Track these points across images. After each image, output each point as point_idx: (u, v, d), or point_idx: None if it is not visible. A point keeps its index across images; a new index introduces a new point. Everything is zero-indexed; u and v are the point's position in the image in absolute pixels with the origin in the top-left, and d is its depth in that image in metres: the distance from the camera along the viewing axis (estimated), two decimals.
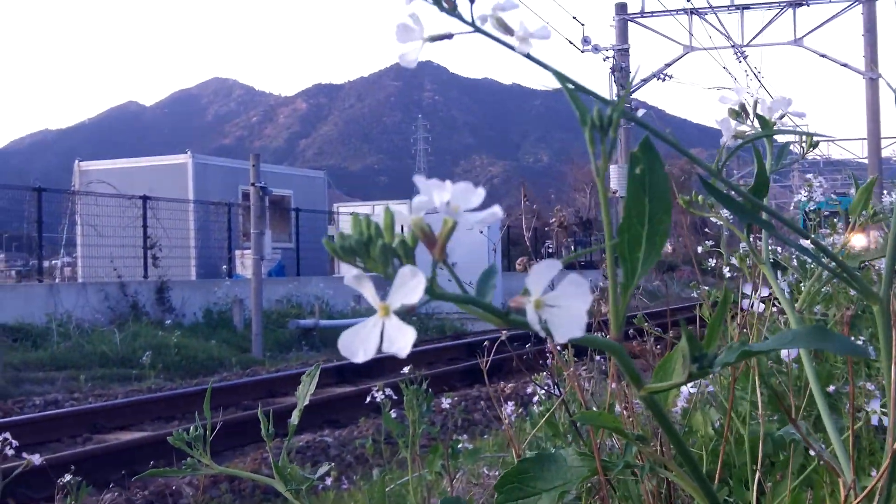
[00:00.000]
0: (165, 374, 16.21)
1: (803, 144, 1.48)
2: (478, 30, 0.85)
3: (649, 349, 2.82)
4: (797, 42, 33.31)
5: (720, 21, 33.95)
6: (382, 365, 15.22)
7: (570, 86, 0.85)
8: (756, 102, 1.31)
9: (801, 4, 33.44)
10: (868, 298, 1.30)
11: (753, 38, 34.32)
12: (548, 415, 3.06)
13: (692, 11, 33.70)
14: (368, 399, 4.43)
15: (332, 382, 14.54)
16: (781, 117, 1.34)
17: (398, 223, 0.76)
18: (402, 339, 0.71)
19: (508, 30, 0.85)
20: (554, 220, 2.65)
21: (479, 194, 0.77)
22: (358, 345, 0.72)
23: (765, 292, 2.30)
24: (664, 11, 34.44)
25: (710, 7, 33.54)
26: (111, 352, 17.09)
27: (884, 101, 33.45)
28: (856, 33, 33.61)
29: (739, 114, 1.32)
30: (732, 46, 34.50)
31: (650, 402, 0.92)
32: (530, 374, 3.51)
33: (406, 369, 4.12)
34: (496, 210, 0.76)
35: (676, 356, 0.94)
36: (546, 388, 3.26)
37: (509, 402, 3.39)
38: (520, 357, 3.35)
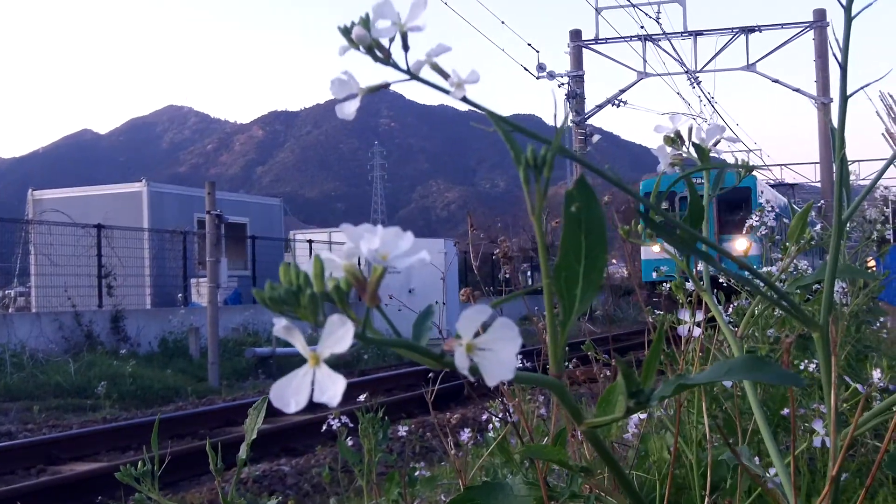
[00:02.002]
0: (121, 403, 16.07)
1: (741, 171, 1.50)
2: (413, 77, 0.87)
3: (598, 375, 2.84)
4: (750, 67, 33.67)
5: (673, 47, 34.29)
6: None
7: (506, 127, 0.86)
8: (691, 129, 1.33)
9: (753, 30, 33.83)
10: (808, 326, 1.32)
11: (706, 63, 34.69)
12: (496, 442, 3.07)
13: (646, 38, 34.01)
14: (325, 427, 4.41)
15: None
16: (716, 144, 1.36)
17: (329, 270, 0.77)
18: (332, 388, 0.72)
19: (444, 73, 0.87)
20: (498, 251, 2.66)
21: (408, 239, 0.78)
22: (290, 396, 0.73)
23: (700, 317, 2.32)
24: (618, 38, 34.74)
25: (664, 34, 33.88)
26: (66, 382, 16.92)
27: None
28: (807, 59, 34.05)
29: (675, 141, 1.34)
30: (686, 72, 34.84)
31: (591, 436, 0.93)
32: (484, 400, 3.52)
33: (363, 397, 4.11)
34: (423, 255, 0.77)
35: (618, 388, 0.95)
36: (499, 415, 3.27)
37: (465, 430, 3.39)
38: (471, 384, 3.36)
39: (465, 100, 0.86)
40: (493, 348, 0.75)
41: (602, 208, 0.86)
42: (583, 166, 0.97)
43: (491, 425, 3.49)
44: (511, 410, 3.10)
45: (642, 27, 33.70)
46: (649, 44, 34.26)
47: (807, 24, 33.68)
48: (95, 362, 18.56)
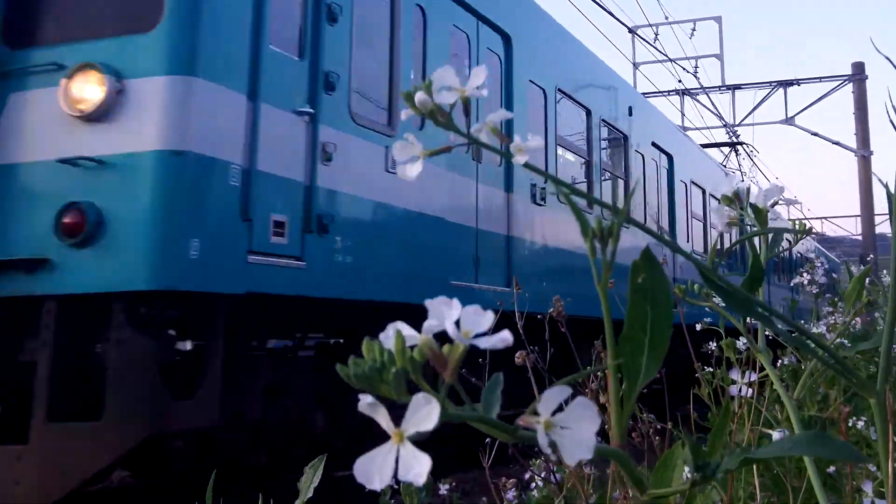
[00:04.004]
0: None
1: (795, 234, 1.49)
2: (474, 142, 0.88)
3: (648, 437, 2.82)
4: (789, 121, 33.59)
5: (711, 101, 34.38)
6: None
7: (569, 193, 0.86)
8: (748, 190, 1.33)
9: (791, 84, 33.80)
10: (864, 392, 1.30)
11: (745, 117, 34.67)
12: None
13: (684, 92, 34.08)
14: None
15: (330, 466, 14.34)
16: (774, 204, 1.36)
17: (409, 343, 0.77)
18: (417, 466, 0.73)
19: (503, 138, 0.88)
20: (553, 310, 2.66)
21: (489, 318, 0.78)
22: (374, 472, 0.73)
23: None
24: (656, 92, 34.77)
25: (702, 88, 33.93)
26: None
27: (876, 179, 33.46)
28: (847, 111, 33.92)
29: (733, 201, 1.34)
30: (724, 126, 34.85)
31: None
32: (527, 459, 3.50)
33: None
34: (505, 335, 0.77)
35: (676, 454, 0.95)
36: (542, 473, 3.25)
37: (510, 491, 3.37)
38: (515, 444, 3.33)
39: (527, 165, 0.87)
40: (571, 426, 0.75)
41: (667, 279, 0.86)
42: (647, 232, 0.97)
43: (534, 484, 3.47)
44: (554, 469, 3.08)
45: (680, 81, 33.81)
46: (687, 98, 34.32)
47: (845, 77, 33.53)
48: None
